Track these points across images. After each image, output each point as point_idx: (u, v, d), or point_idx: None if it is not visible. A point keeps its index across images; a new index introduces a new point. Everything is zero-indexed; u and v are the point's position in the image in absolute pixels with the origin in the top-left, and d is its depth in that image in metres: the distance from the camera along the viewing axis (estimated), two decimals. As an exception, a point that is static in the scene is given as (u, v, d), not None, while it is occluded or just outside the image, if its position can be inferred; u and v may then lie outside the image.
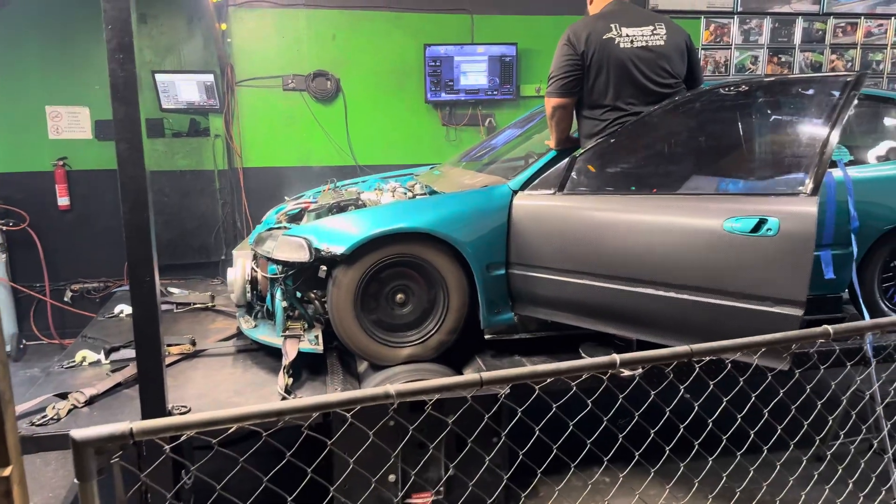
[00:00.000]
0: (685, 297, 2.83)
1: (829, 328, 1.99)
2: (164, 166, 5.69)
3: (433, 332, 3.34)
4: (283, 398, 2.97)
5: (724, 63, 6.72)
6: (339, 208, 3.69)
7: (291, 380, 3.11)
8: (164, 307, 4.09)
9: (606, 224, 3.05)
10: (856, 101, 2.86)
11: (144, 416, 2.60)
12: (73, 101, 5.52)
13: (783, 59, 6.81)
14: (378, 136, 6.17)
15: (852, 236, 3.36)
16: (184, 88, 5.54)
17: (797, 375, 2.46)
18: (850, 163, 3.64)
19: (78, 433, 1.31)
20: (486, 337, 3.42)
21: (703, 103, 3.29)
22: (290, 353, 3.18)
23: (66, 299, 5.67)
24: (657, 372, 3.06)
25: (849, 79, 2.83)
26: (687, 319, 2.85)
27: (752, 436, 2.33)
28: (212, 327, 3.98)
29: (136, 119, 2.35)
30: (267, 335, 3.45)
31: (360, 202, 3.78)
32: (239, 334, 3.76)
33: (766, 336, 1.97)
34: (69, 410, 2.86)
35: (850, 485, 2.63)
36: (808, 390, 2.44)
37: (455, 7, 6.11)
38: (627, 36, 3.22)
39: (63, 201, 5.59)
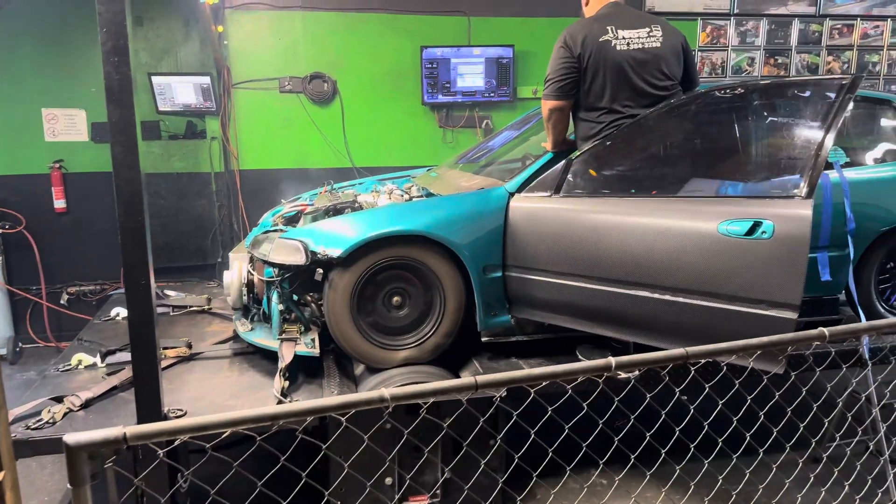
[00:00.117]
0: (680, 299, 2.83)
1: (825, 330, 1.99)
2: (161, 168, 5.68)
3: (430, 334, 3.33)
4: (280, 401, 2.97)
5: (720, 65, 6.73)
6: (336, 211, 3.69)
7: (288, 383, 3.10)
8: (160, 310, 4.10)
9: (602, 227, 3.05)
10: (851, 104, 2.87)
11: (140, 420, 2.60)
12: (70, 103, 5.51)
13: (780, 61, 6.82)
14: (375, 138, 6.17)
15: (849, 238, 3.37)
16: (180, 91, 5.54)
17: (793, 377, 2.47)
18: (847, 164, 3.64)
19: (71, 438, 1.31)
20: (483, 339, 3.41)
21: (699, 106, 3.29)
22: (286, 356, 3.18)
23: (62, 302, 5.66)
24: (653, 374, 3.06)
25: (844, 81, 2.83)
26: (682, 322, 2.85)
27: (749, 438, 2.33)
28: (208, 330, 3.98)
29: (132, 122, 2.35)
30: (263, 338, 3.44)
31: (356, 204, 3.78)
32: (235, 337, 3.76)
33: (761, 338, 1.97)
34: (65, 414, 2.85)
35: (847, 486, 2.63)
36: (805, 392, 2.44)
37: (451, 9, 6.11)
38: (624, 38, 3.22)
39: (59, 204, 5.57)
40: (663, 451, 2.23)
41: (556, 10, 6.11)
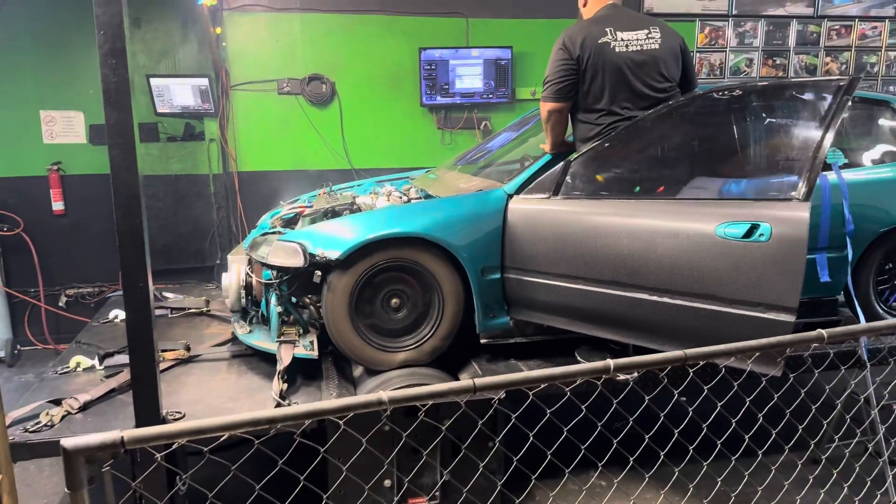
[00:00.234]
0: (678, 302, 2.83)
1: (824, 332, 1.99)
2: (159, 170, 5.68)
3: (428, 336, 3.33)
4: (278, 404, 2.97)
5: (718, 66, 6.74)
6: (334, 213, 3.68)
7: (286, 385, 3.10)
8: (158, 312, 4.09)
9: (600, 228, 3.05)
10: (849, 105, 2.86)
11: (138, 423, 2.60)
12: (68, 105, 5.51)
13: (778, 62, 6.82)
14: (373, 139, 6.17)
15: (847, 239, 3.37)
16: (178, 92, 5.53)
17: (791, 379, 2.47)
18: (845, 166, 3.65)
19: (68, 442, 1.30)
20: (482, 341, 3.41)
21: (697, 108, 3.29)
22: (284, 358, 3.18)
23: (60, 304, 5.66)
24: (651, 376, 3.06)
25: (842, 83, 2.83)
26: (680, 325, 2.85)
27: (747, 439, 2.33)
28: (206, 332, 3.97)
29: (129, 124, 2.35)
30: (262, 340, 3.44)
31: (355, 206, 3.78)
32: (234, 339, 3.75)
33: (760, 340, 1.97)
34: (63, 417, 2.84)
35: (846, 488, 2.63)
36: (803, 394, 2.44)
37: (450, 10, 6.11)
38: (623, 40, 3.22)
39: (57, 206, 5.57)
40: (662, 453, 2.23)
41: (555, 11, 6.12)
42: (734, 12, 6.66)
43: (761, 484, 2.51)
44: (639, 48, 3.23)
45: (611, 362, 1.76)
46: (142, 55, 5.57)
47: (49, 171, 5.49)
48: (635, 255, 2.93)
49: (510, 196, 3.33)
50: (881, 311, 3.69)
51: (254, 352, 3.53)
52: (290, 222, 3.97)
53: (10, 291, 5.55)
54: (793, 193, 2.64)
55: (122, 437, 1.31)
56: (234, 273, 3.59)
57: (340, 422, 1.71)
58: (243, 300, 3.60)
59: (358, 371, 3.45)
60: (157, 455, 1.51)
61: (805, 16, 6.78)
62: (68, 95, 5.49)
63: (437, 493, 3.01)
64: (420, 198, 3.84)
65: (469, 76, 6.14)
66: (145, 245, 2.45)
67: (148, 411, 2.60)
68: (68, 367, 3.38)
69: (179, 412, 2.86)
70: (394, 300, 3.30)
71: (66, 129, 5.53)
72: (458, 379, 3.33)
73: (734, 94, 3.27)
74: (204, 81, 5.54)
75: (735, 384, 2.32)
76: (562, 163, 3.28)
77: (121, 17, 2.27)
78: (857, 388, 3.22)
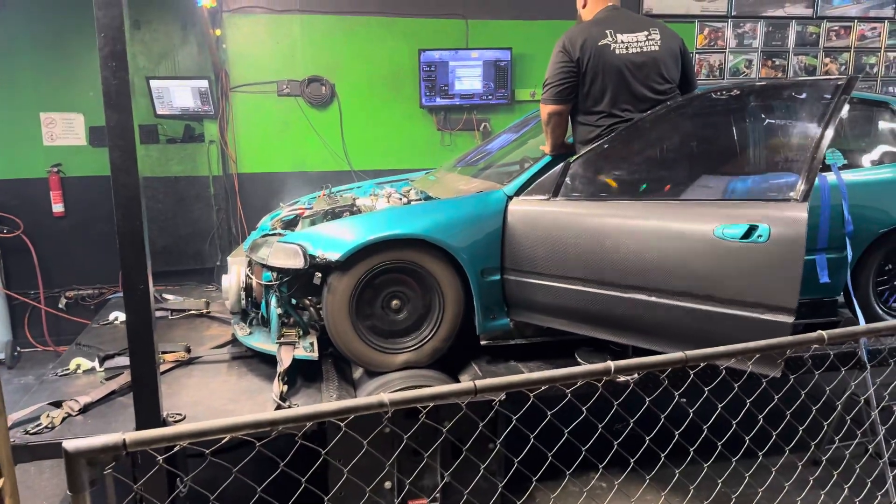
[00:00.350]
0: (677, 303, 2.83)
1: (824, 333, 2.00)
2: (159, 172, 5.68)
3: (429, 338, 3.33)
4: (279, 405, 2.97)
5: (718, 67, 6.74)
6: (334, 214, 3.68)
7: (287, 387, 3.10)
8: (158, 314, 4.09)
9: (599, 230, 3.05)
10: (847, 105, 2.86)
11: (139, 425, 2.60)
12: (68, 107, 5.51)
13: (777, 63, 6.83)
14: (373, 141, 6.17)
15: (847, 240, 3.37)
16: (178, 94, 5.53)
17: (792, 380, 2.47)
18: (844, 166, 3.65)
19: (70, 444, 1.30)
20: (482, 343, 3.41)
21: (695, 108, 3.30)
22: (285, 360, 3.18)
23: (60, 306, 5.65)
24: (652, 378, 3.06)
25: (840, 82, 2.83)
26: (678, 326, 2.85)
27: (748, 441, 2.33)
28: (207, 334, 3.97)
29: (130, 126, 2.35)
30: (262, 342, 3.44)
31: (355, 208, 3.78)
32: (234, 341, 3.75)
33: (761, 341, 1.97)
34: (63, 419, 2.84)
35: (846, 489, 2.63)
36: (804, 395, 2.44)
37: (449, 12, 6.12)
38: (623, 42, 3.22)
39: (57, 208, 5.57)
40: (663, 455, 2.23)
41: (554, 12, 6.13)
42: (733, 13, 6.66)
43: (762, 485, 2.51)
44: (639, 50, 3.24)
45: (611, 364, 1.76)
46: (141, 57, 5.57)
47: (49, 172, 5.49)
48: (634, 256, 2.94)
49: (510, 197, 3.33)
50: (881, 311, 3.69)
51: (254, 353, 3.53)
52: (290, 224, 3.97)
53: (10, 293, 5.55)
54: (791, 194, 2.64)
55: (124, 439, 1.31)
56: (235, 275, 3.59)
57: (342, 424, 1.71)
58: (243, 302, 3.60)
59: (358, 373, 3.45)
60: (159, 457, 1.51)
61: (804, 17, 6.79)
62: (68, 97, 5.50)
63: (438, 495, 3.01)
64: (420, 199, 3.85)
65: (468, 77, 6.15)
66: (145, 247, 2.45)
67: (148, 413, 2.60)
68: (68, 369, 3.38)
69: (180, 414, 2.86)
70: (394, 302, 3.30)
71: (66, 130, 5.53)
72: (458, 381, 3.34)
73: (732, 94, 3.27)
74: (204, 83, 5.54)
75: (736, 386, 2.32)
76: (561, 164, 3.28)
77: (121, 20, 2.28)
78: (858, 389, 3.22)
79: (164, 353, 3.43)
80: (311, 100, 5.96)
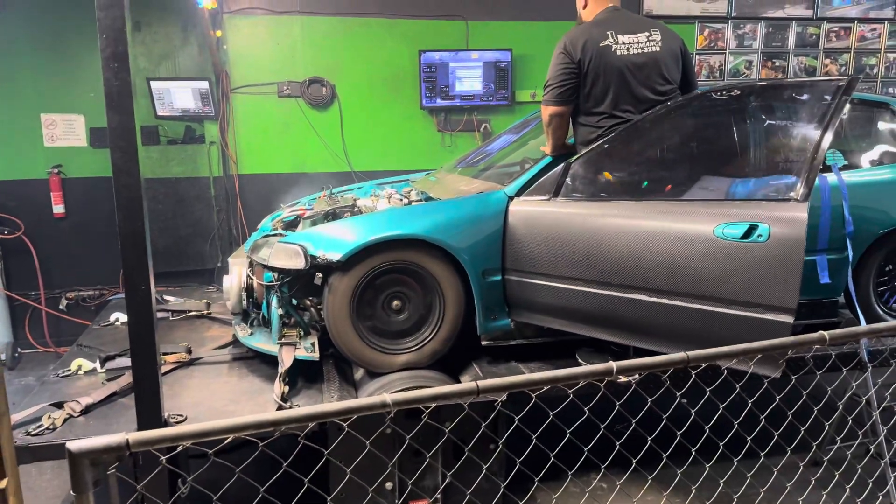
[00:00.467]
0: (677, 303, 2.83)
1: (826, 334, 2.00)
2: (159, 173, 5.68)
3: (430, 338, 3.33)
4: (280, 406, 2.97)
5: (718, 68, 6.75)
6: (335, 215, 3.69)
7: (288, 388, 3.10)
8: (159, 315, 4.08)
9: (600, 230, 3.05)
10: (848, 106, 2.86)
11: (140, 426, 2.60)
12: (68, 108, 5.51)
13: (777, 64, 6.83)
14: (373, 142, 6.18)
15: (847, 241, 3.37)
16: (179, 95, 5.54)
17: (793, 381, 2.47)
18: (845, 167, 3.65)
19: (74, 445, 1.30)
20: (483, 343, 3.41)
21: (696, 109, 3.30)
22: (286, 360, 3.18)
23: (61, 307, 5.65)
24: (653, 378, 3.06)
25: (840, 83, 2.83)
26: (679, 326, 2.85)
27: (749, 441, 2.33)
28: (208, 335, 3.97)
29: (131, 128, 2.35)
30: (263, 343, 3.44)
31: (355, 209, 3.78)
32: (235, 342, 3.75)
33: (762, 342, 1.98)
34: (65, 420, 2.84)
35: (848, 489, 2.63)
36: (805, 396, 2.44)
37: (450, 13, 6.12)
38: (624, 43, 3.22)
39: (58, 209, 5.57)
40: (664, 455, 2.23)
41: (554, 13, 6.14)
42: (733, 14, 6.67)
43: (763, 485, 2.51)
44: (640, 51, 3.24)
45: (613, 364, 1.76)
46: (142, 58, 5.57)
47: (50, 174, 5.50)
48: (634, 256, 2.94)
49: (511, 198, 3.33)
50: (881, 312, 3.69)
51: (255, 354, 3.53)
52: (291, 225, 3.97)
53: (10, 294, 5.55)
54: (791, 194, 2.64)
55: (128, 439, 1.31)
56: (236, 275, 3.59)
57: (344, 424, 1.71)
58: (244, 302, 3.60)
59: (359, 373, 3.45)
60: (162, 458, 1.52)
61: (804, 18, 6.80)
62: (69, 98, 5.50)
63: (440, 496, 3.01)
64: (421, 200, 3.85)
65: (469, 79, 6.15)
66: (147, 248, 2.45)
67: (150, 414, 2.60)
68: (69, 370, 3.38)
69: (181, 415, 2.86)
70: (395, 302, 3.30)
71: (67, 132, 5.54)
72: (458, 381, 3.34)
73: (733, 94, 3.27)
74: (204, 84, 5.55)
75: (737, 386, 2.32)
76: (562, 165, 3.29)
77: (123, 21, 2.28)
78: (859, 389, 3.22)
79: (165, 354, 3.43)
80: (311, 101, 5.97)
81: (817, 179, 2.98)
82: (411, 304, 3.32)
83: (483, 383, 1.63)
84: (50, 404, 2.94)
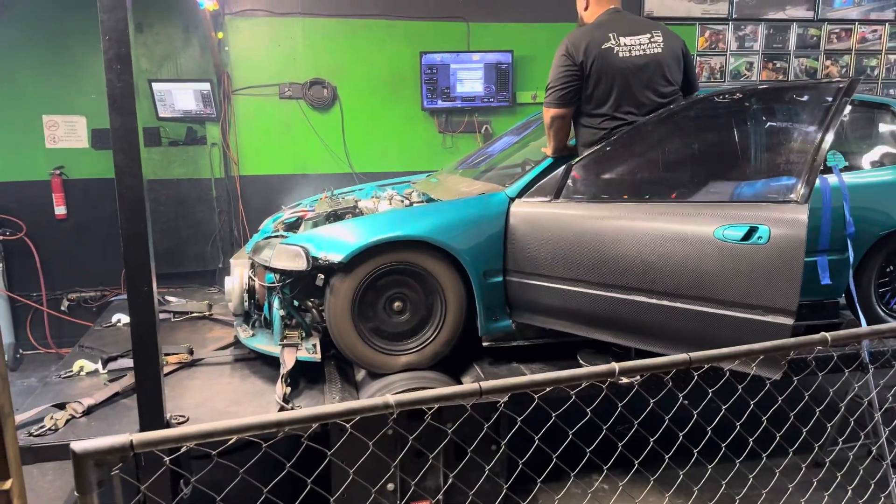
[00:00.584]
0: (677, 304, 2.83)
1: (828, 335, 2.00)
2: (161, 175, 5.69)
3: (431, 339, 3.33)
4: (282, 407, 2.97)
5: (719, 69, 6.75)
6: (337, 216, 3.69)
7: (289, 389, 3.10)
8: (161, 316, 4.08)
9: (601, 232, 3.05)
10: (849, 108, 2.86)
11: (143, 426, 2.60)
12: (70, 110, 5.51)
13: (778, 65, 6.84)
14: (374, 143, 6.18)
15: (848, 242, 3.37)
16: (180, 97, 5.54)
17: (795, 382, 2.47)
18: (846, 168, 3.65)
19: (78, 445, 1.31)
20: (484, 344, 3.41)
21: (697, 111, 3.30)
22: (287, 361, 3.18)
23: (62, 308, 5.66)
24: (655, 379, 3.06)
25: (841, 85, 2.84)
26: (680, 328, 2.85)
27: (751, 442, 2.33)
28: (209, 336, 3.97)
29: (134, 129, 2.36)
30: (265, 344, 3.44)
31: (357, 210, 3.79)
32: (237, 343, 3.76)
33: (764, 343, 1.98)
34: (67, 421, 2.85)
35: (849, 491, 2.64)
36: (807, 397, 2.45)
37: (451, 15, 6.13)
38: (626, 45, 3.23)
39: (60, 210, 5.58)
40: (667, 457, 2.23)
41: (555, 15, 6.14)
42: (734, 16, 6.67)
43: (765, 487, 2.52)
44: (642, 52, 3.24)
45: (616, 366, 1.76)
46: (144, 60, 5.58)
47: (51, 175, 5.50)
48: (635, 257, 2.94)
49: (512, 199, 3.34)
50: (883, 313, 3.70)
51: (256, 355, 3.53)
52: (293, 226, 3.98)
53: (12, 295, 5.55)
54: (791, 196, 2.65)
55: (132, 440, 1.32)
56: (237, 277, 3.60)
57: (347, 425, 1.71)
58: (246, 304, 3.61)
59: (360, 374, 3.45)
60: (166, 458, 1.52)
61: (805, 19, 6.80)
62: (70, 100, 5.50)
63: (441, 497, 3.01)
64: (422, 201, 3.85)
65: (470, 80, 6.16)
66: (150, 249, 2.46)
67: (152, 415, 2.60)
68: (72, 371, 3.38)
69: (183, 416, 2.87)
70: (396, 303, 3.31)
71: (69, 133, 5.54)
72: (460, 382, 3.34)
73: (734, 97, 3.28)
74: (206, 86, 5.55)
75: (739, 387, 2.32)
76: (563, 166, 3.29)
77: (126, 23, 2.28)
78: (860, 391, 3.22)
79: (166, 355, 3.44)
80: (312, 102, 5.98)
81: (818, 181, 2.98)
82: (413, 305, 3.33)
83: (486, 384, 1.64)
84: (52, 405, 2.94)
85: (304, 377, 3.32)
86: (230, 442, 1.46)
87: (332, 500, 1.95)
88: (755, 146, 3.22)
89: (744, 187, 3.02)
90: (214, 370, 3.50)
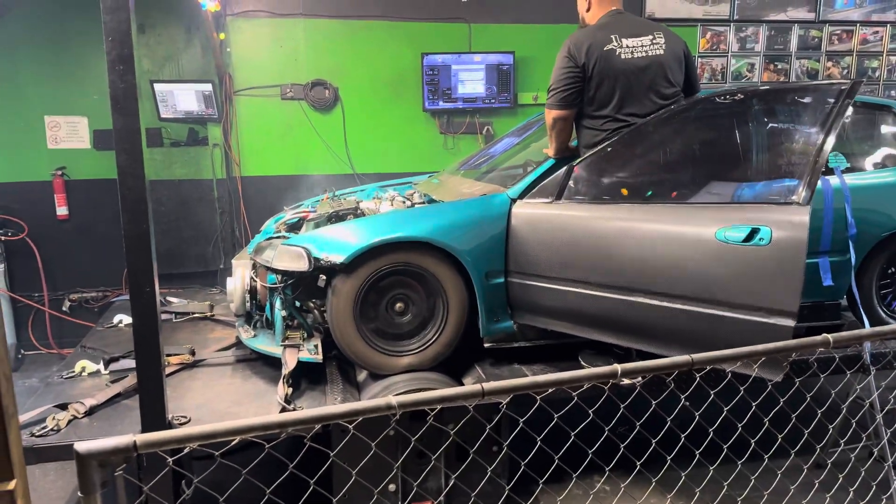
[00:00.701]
0: (679, 306, 2.83)
1: (829, 337, 2.00)
2: (163, 175, 5.69)
3: (433, 340, 3.34)
4: (284, 408, 2.97)
5: (720, 71, 6.75)
6: (338, 217, 3.69)
7: (291, 389, 3.10)
8: (162, 317, 4.09)
9: (602, 233, 3.05)
10: (850, 110, 2.86)
11: (144, 427, 2.60)
12: (72, 110, 5.52)
13: (779, 67, 6.84)
14: (376, 144, 6.18)
15: (850, 243, 3.37)
16: (182, 98, 5.55)
17: (797, 384, 2.47)
18: (847, 170, 3.65)
19: (82, 446, 1.31)
20: (486, 345, 3.41)
21: (699, 112, 3.30)
22: (289, 362, 3.18)
23: (64, 309, 5.66)
24: (657, 381, 3.06)
25: (843, 87, 2.84)
26: (681, 329, 2.84)
27: (753, 444, 2.33)
28: (211, 337, 3.98)
29: (136, 130, 2.36)
30: (266, 345, 3.44)
31: (358, 211, 3.79)
32: (238, 344, 3.76)
33: (766, 345, 1.98)
34: (69, 421, 2.85)
35: (851, 492, 2.63)
36: (809, 398, 2.45)
37: (452, 16, 6.13)
38: (628, 47, 3.23)
39: (61, 211, 5.58)
40: (668, 458, 2.23)
41: (556, 16, 6.15)
42: (735, 17, 6.67)
43: (767, 488, 2.51)
44: (644, 54, 3.24)
45: (618, 367, 1.76)
46: (146, 60, 5.59)
47: (53, 175, 5.51)
48: (636, 258, 2.94)
49: (513, 200, 3.34)
50: (884, 315, 3.70)
51: (258, 356, 3.54)
52: (294, 227, 3.98)
53: (13, 296, 5.56)
54: (793, 197, 2.64)
55: (135, 441, 1.32)
56: (239, 277, 3.60)
57: (350, 426, 1.71)
58: (248, 304, 3.61)
59: (362, 375, 3.45)
60: (169, 459, 1.52)
61: (806, 20, 6.80)
62: (72, 101, 5.51)
63: (443, 498, 3.01)
64: (424, 202, 3.85)
65: (471, 81, 6.16)
66: (152, 250, 2.46)
67: (154, 416, 2.61)
68: (74, 371, 3.38)
69: (185, 417, 2.87)
70: (398, 304, 3.31)
71: (71, 134, 5.55)
72: (461, 383, 3.34)
73: (736, 98, 3.28)
74: (207, 87, 5.56)
75: (741, 389, 2.32)
76: (565, 167, 3.29)
77: (128, 24, 2.29)
78: (862, 392, 3.22)
79: (168, 355, 3.44)
80: (314, 103, 5.98)
81: (820, 182, 2.98)
82: (414, 306, 3.33)
83: (488, 386, 1.64)
84: (54, 406, 2.95)
85: (306, 378, 3.32)
86: (233, 443, 1.47)
87: (334, 501, 1.95)
88: (757, 147, 3.22)
89: (745, 189, 3.02)
90: (216, 371, 3.50)
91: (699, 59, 6.65)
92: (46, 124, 5.50)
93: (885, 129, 4.00)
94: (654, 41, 3.27)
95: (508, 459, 3.03)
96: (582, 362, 3.40)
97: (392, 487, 2.94)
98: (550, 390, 1.75)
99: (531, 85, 6.35)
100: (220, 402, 3.12)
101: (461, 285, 3.29)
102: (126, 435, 1.35)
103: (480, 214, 3.31)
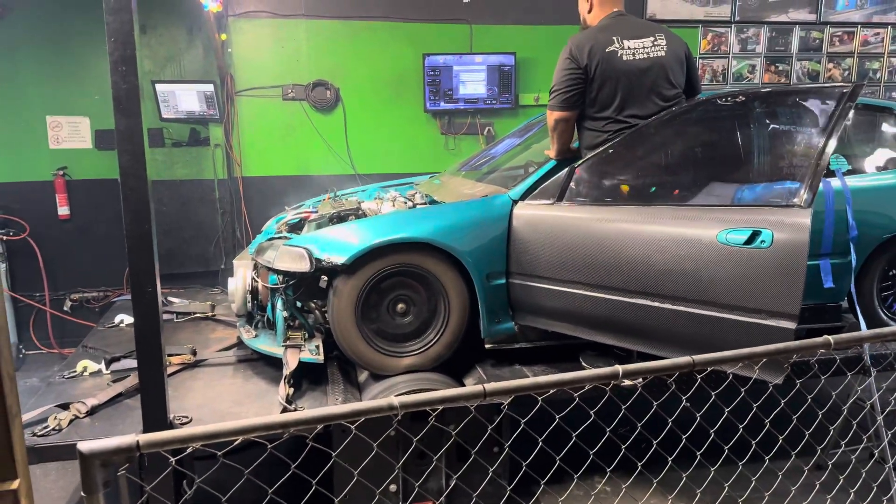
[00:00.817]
0: (680, 308, 2.83)
1: (830, 338, 2.00)
2: (164, 175, 5.70)
3: (434, 341, 3.34)
4: (285, 408, 2.98)
5: (721, 72, 6.75)
6: (340, 218, 3.70)
7: (292, 390, 3.11)
8: (164, 317, 4.09)
9: (603, 234, 3.05)
10: (852, 112, 2.86)
11: (146, 427, 2.61)
12: (74, 111, 5.53)
13: (780, 68, 6.84)
14: (377, 145, 6.19)
15: (851, 245, 3.38)
16: (184, 98, 5.56)
17: (798, 385, 2.47)
18: (848, 172, 3.65)
19: (85, 446, 1.31)
20: (487, 346, 3.42)
21: (700, 114, 3.30)
22: (290, 362, 3.19)
23: (65, 309, 5.67)
24: (658, 382, 3.06)
25: (845, 89, 2.84)
26: (682, 331, 2.84)
27: (754, 445, 2.34)
28: (212, 337, 3.98)
29: (139, 130, 2.37)
30: (268, 345, 3.45)
31: (360, 212, 3.79)
32: (239, 344, 3.76)
33: (767, 346, 1.98)
34: (71, 421, 2.85)
35: (852, 494, 2.64)
36: (810, 400, 2.45)
37: (454, 17, 6.14)
38: (630, 48, 3.23)
39: (63, 211, 5.59)
40: (669, 459, 2.23)
41: (558, 17, 6.15)
42: (737, 19, 6.68)
43: (768, 489, 2.52)
44: (645, 56, 3.24)
45: (619, 368, 1.76)
46: (147, 61, 5.59)
47: (55, 176, 5.52)
48: (638, 260, 2.94)
49: (515, 202, 3.34)
50: (885, 317, 3.70)
51: (259, 356, 3.54)
52: (296, 227, 3.98)
53: (15, 296, 5.57)
54: (795, 200, 2.64)
55: (138, 440, 1.32)
56: (241, 278, 3.60)
57: (352, 426, 1.72)
58: (249, 305, 3.61)
59: (363, 376, 3.46)
60: (171, 459, 1.52)
61: (807, 22, 6.80)
62: (74, 101, 5.52)
63: (444, 499, 3.01)
64: (425, 203, 3.86)
65: (473, 82, 6.17)
66: (154, 250, 2.46)
67: (155, 416, 2.61)
68: (75, 371, 3.39)
69: (186, 417, 2.87)
70: (399, 305, 3.31)
71: (72, 134, 5.55)
72: (462, 384, 3.34)
73: (737, 100, 3.28)
74: (209, 87, 5.57)
75: (742, 390, 2.32)
76: (566, 169, 3.29)
77: (131, 25, 2.29)
78: (863, 394, 3.22)
79: (169, 355, 3.44)
80: (315, 104, 5.99)
81: (821, 184, 2.98)
82: (416, 307, 3.33)
83: (490, 386, 1.64)
84: (56, 405, 2.95)
85: (307, 378, 3.33)
86: (236, 443, 1.47)
87: (336, 501, 1.96)
88: (758, 149, 3.22)
89: (746, 191, 3.02)
90: (217, 371, 3.50)
91: (700, 61, 6.65)
92: (48, 124, 5.51)
93: (887, 130, 4.00)
94: (655, 43, 3.27)
95: (509, 460, 3.04)
96: (583, 363, 3.40)
97: (393, 488, 2.95)
98: (552, 391, 1.75)
99: (532, 86, 6.35)
100: (221, 402, 3.12)
101: (462, 286, 3.29)
102: (129, 435, 1.35)
103: (482, 215, 3.32)
